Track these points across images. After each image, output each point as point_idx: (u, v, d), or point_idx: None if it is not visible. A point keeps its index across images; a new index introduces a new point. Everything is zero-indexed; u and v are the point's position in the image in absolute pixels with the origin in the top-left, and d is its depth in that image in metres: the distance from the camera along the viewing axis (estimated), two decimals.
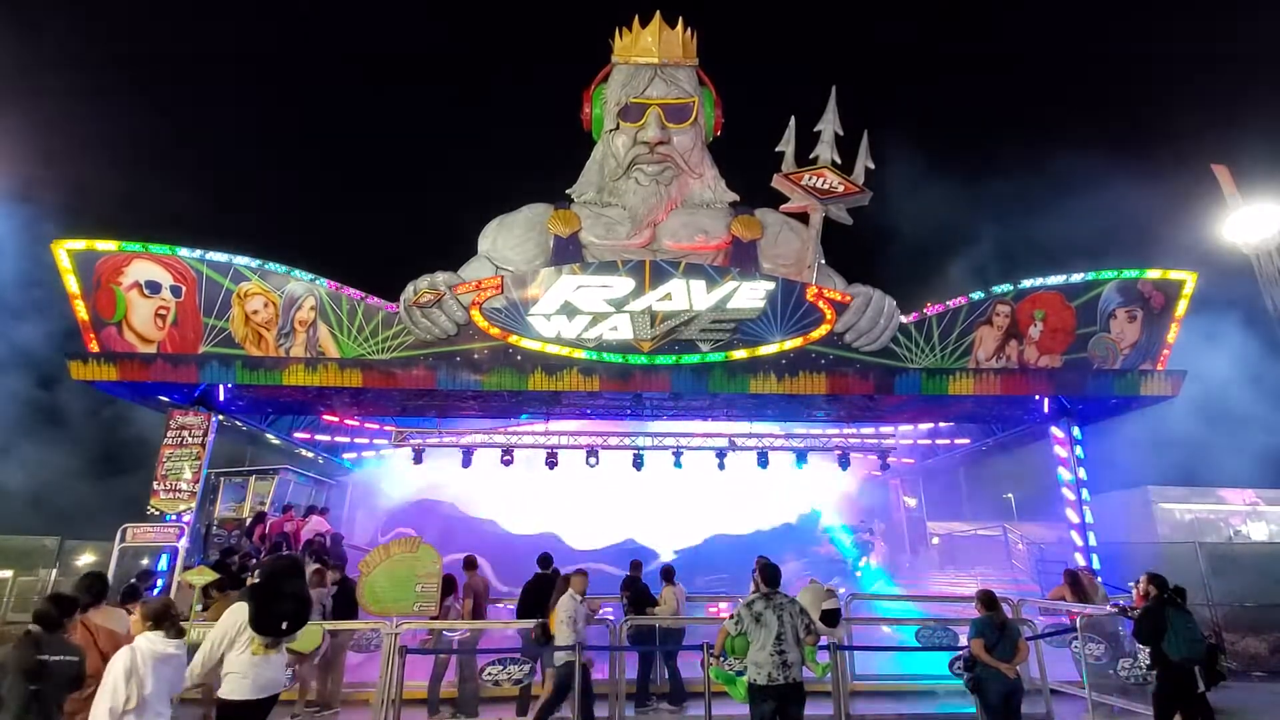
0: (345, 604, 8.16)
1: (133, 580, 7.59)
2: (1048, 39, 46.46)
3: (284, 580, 4.36)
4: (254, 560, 10.76)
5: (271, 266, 10.12)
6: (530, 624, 7.26)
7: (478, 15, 51.54)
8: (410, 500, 17.25)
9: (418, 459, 14.69)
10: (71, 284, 9.58)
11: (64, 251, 9.57)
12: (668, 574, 8.75)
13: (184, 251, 9.91)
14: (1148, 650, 6.27)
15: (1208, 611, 10.68)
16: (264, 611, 4.18)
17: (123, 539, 9.65)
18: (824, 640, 5.97)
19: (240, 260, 10.04)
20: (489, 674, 6.86)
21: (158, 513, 9.99)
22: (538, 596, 7.84)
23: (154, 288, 9.81)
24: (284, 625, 4.24)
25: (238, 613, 4.29)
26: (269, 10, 45.23)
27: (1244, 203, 23.22)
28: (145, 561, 11.60)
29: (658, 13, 13.45)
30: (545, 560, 8.36)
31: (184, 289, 9.87)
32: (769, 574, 5.10)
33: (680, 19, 13.49)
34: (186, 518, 9.99)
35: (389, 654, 6.81)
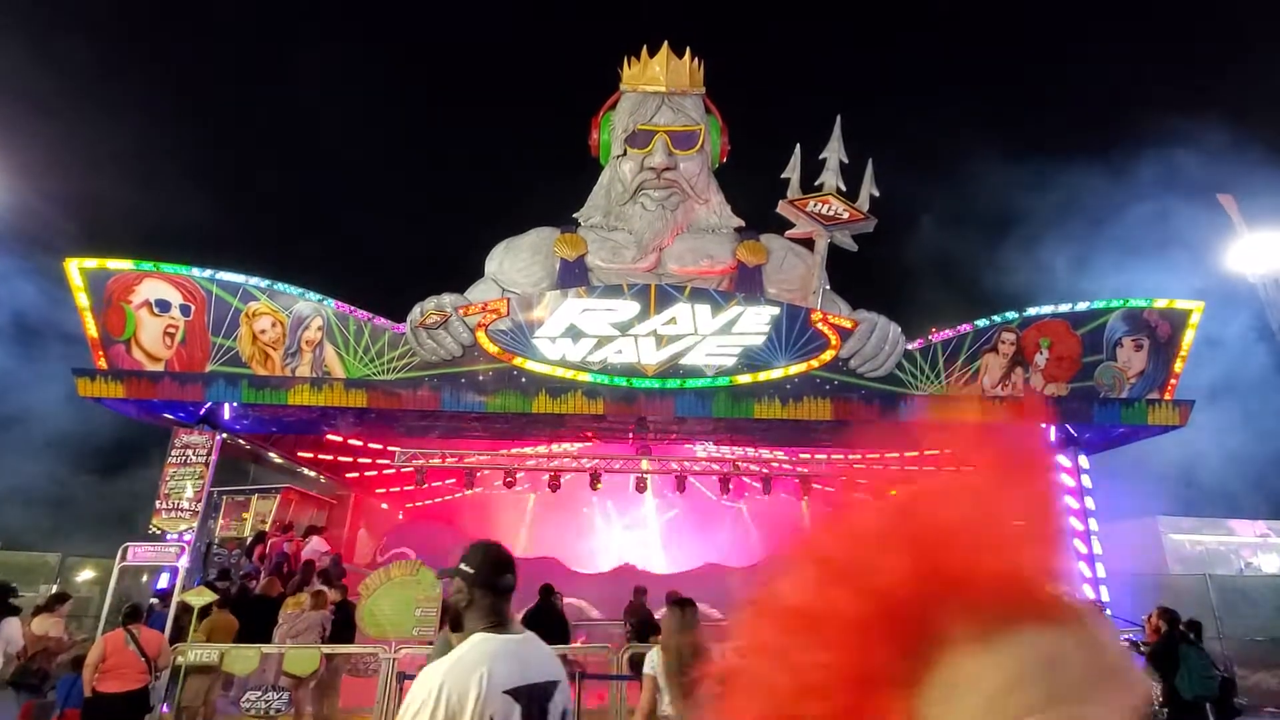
0: (343, 627, 8.09)
1: (135, 602, 7.56)
2: (1052, 65, 47.04)
3: None
4: (254, 580, 10.70)
5: (280, 287, 10.21)
6: None
7: (489, 41, 52.56)
8: (414, 520, 17.18)
9: (421, 480, 14.64)
10: (82, 301, 9.68)
11: (76, 269, 9.69)
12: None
13: (194, 271, 10.02)
14: (1159, 687, 6.15)
15: (1218, 645, 10.47)
16: None
17: (123, 557, 9.61)
18: None
19: (249, 280, 10.14)
20: None
21: (159, 531, 9.96)
22: (538, 626, 7.77)
23: (164, 306, 9.90)
24: None
25: None
26: (279, 32, 46.21)
27: (1250, 232, 23.24)
28: (145, 579, 11.56)
29: (665, 43, 13.70)
30: (547, 589, 8.30)
31: (193, 308, 9.96)
32: None
33: (688, 49, 13.73)
34: (188, 537, 9.96)
35: (387, 678, 6.73)
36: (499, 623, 1.88)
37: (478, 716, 1.65)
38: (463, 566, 1.94)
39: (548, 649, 2.00)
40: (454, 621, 1.98)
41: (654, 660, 3.87)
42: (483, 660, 1.73)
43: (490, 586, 1.91)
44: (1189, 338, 10.86)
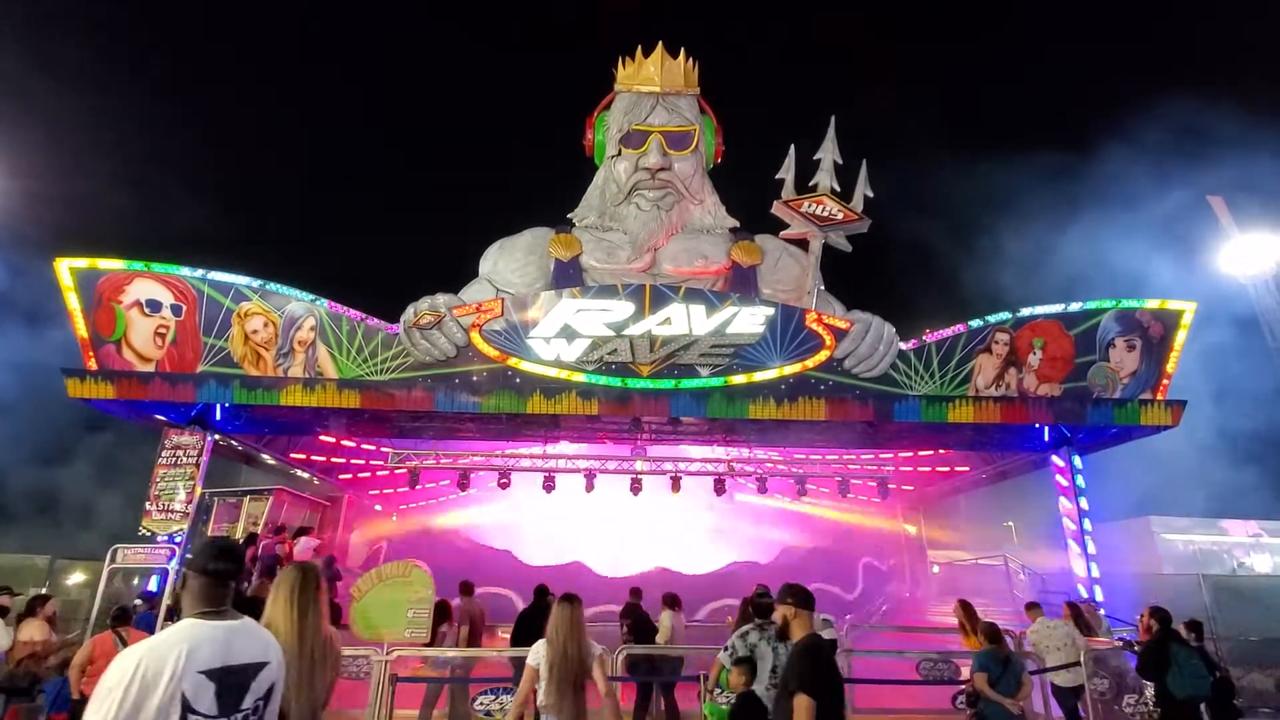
0: None
1: (123, 604, 7.48)
2: (1049, 65, 47.28)
3: None
4: (245, 582, 10.61)
5: (273, 287, 10.14)
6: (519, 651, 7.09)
7: (484, 41, 52.50)
8: (406, 523, 17.13)
9: (414, 481, 14.57)
10: (72, 301, 9.59)
11: (66, 269, 9.60)
12: (670, 601, 8.61)
13: (186, 271, 9.94)
14: (1152, 687, 6.16)
15: (1212, 645, 10.49)
16: None
17: (113, 559, 9.52)
18: None
19: (241, 280, 10.07)
20: (481, 704, 6.73)
21: (149, 533, 9.87)
22: (533, 626, 7.72)
23: (154, 306, 9.82)
24: None
25: None
26: (275, 30, 46.07)
27: (1240, 233, 23.40)
28: (136, 581, 11.45)
29: (660, 43, 13.71)
30: (542, 591, 8.26)
31: (184, 308, 9.88)
32: (762, 605, 5.00)
33: (682, 49, 13.74)
34: (179, 539, 9.87)
35: (379, 681, 6.68)
36: (211, 609, 2.09)
37: (170, 691, 1.89)
38: (188, 556, 2.20)
39: (264, 636, 2.18)
40: (175, 609, 2.15)
41: (538, 652, 4.03)
42: (183, 642, 1.97)
43: (202, 570, 2.11)
44: (1181, 338, 10.90)
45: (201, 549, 2.21)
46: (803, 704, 3.16)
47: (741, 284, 12.10)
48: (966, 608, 8.20)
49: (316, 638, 2.70)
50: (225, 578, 2.15)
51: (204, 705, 1.94)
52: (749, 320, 10.49)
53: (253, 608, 7.76)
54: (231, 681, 2.01)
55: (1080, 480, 11.53)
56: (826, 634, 5.50)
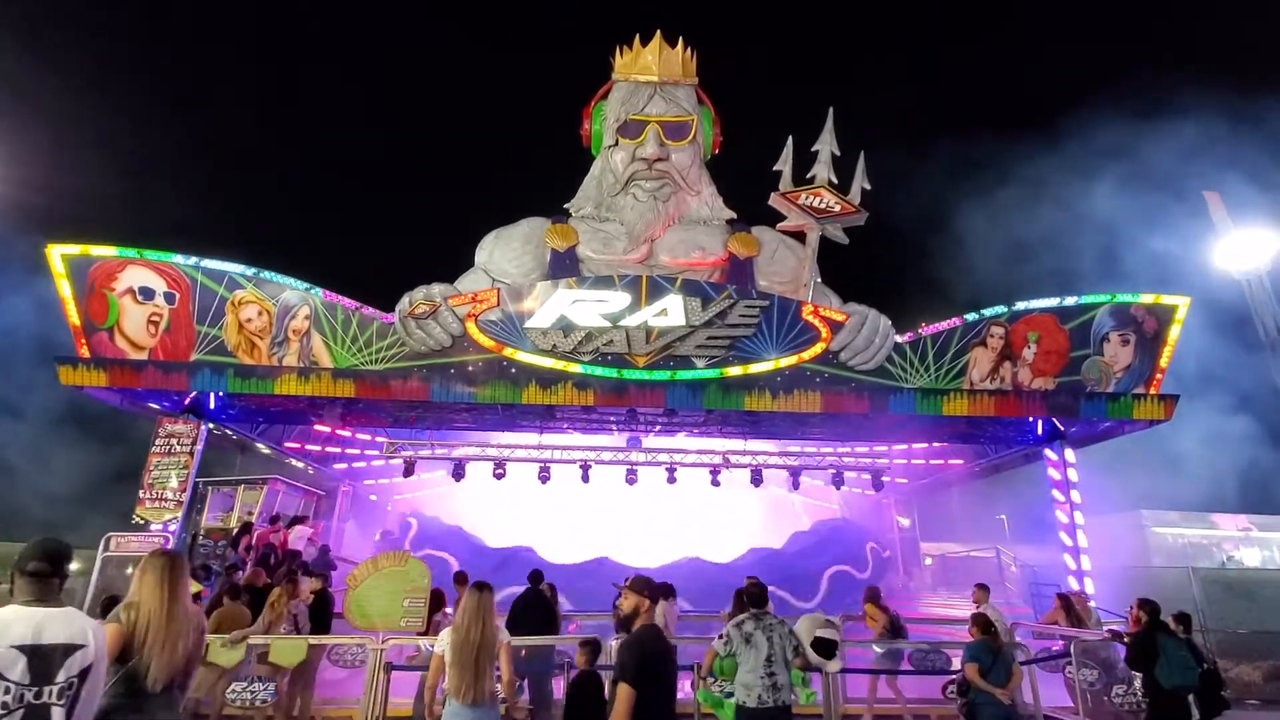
0: (318, 616, 8.00)
1: (112, 594, 7.46)
2: (1045, 59, 47.21)
3: None
4: (239, 571, 10.61)
5: (267, 275, 10.08)
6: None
7: (479, 31, 52.11)
8: (399, 513, 17.12)
9: (409, 471, 14.55)
10: (64, 288, 9.51)
11: (58, 256, 9.51)
12: (664, 591, 8.61)
13: (179, 258, 9.87)
14: (1140, 677, 6.22)
15: (1201, 638, 10.62)
16: None
17: (106, 548, 9.50)
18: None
19: (235, 268, 10.00)
20: None
21: (143, 521, 9.85)
22: (528, 613, 7.74)
23: (147, 294, 9.74)
24: None
25: None
26: (272, 29, 45.63)
27: (1234, 228, 23.45)
28: (130, 571, 11.43)
29: (658, 32, 13.60)
30: (536, 576, 8.27)
31: (178, 296, 9.81)
32: (756, 595, 5.05)
33: (680, 38, 13.64)
34: (172, 527, 9.85)
35: (374, 670, 6.68)
36: (33, 598, 2.49)
37: None
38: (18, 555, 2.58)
39: (82, 622, 2.53)
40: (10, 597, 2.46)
41: (444, 640, 4.07)
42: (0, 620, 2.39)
43: (22, 571, 2.54)
44: (1175, 333, 10.94)
45: (26, 551, 2.57)
46: (622, 693, 3.32)
47: (738, 276, 12.09)
48: (870, 593, 8.88)
49: (184, 612, 3.09)
50: (42, 576, 2.52)
51: (15, 674, 2.30)
52: (745, 312, 10.49)
53: (252, 596, 7.64)
54: (41, 657, 2.37)
55: (1072, 474, 11.60)
56: (827, 633, 5.52)
